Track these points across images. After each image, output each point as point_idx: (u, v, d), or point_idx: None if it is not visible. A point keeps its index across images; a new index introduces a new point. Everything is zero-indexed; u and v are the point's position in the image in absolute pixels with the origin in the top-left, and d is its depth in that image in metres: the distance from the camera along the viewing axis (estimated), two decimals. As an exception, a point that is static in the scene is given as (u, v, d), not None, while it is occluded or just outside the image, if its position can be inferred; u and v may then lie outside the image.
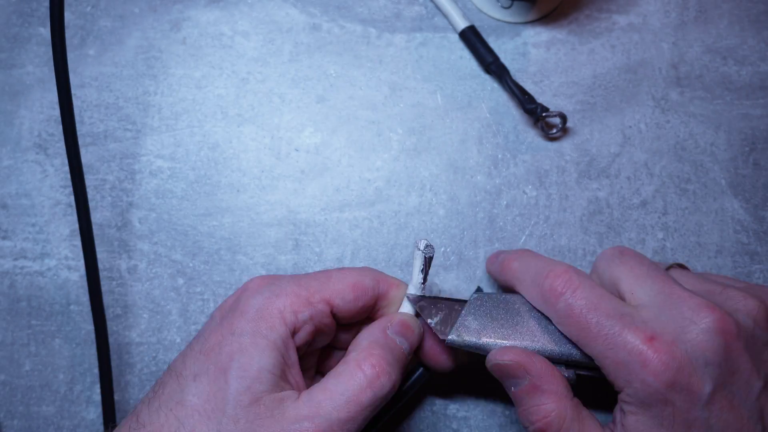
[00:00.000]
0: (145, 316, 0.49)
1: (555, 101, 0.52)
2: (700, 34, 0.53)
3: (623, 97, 0.52)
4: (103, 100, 0.52)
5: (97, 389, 0.48)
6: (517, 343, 0.40)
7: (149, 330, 0.49)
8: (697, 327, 0.36)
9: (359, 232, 0.51)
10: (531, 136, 0.52)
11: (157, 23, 0.53)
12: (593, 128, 0.52)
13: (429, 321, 0.42)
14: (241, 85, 0.52)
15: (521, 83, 0.52)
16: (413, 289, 0.43)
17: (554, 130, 0.51)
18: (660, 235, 0.51)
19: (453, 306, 0.43)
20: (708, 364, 0.35)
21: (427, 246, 0.42)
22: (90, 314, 0.49)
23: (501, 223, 0.51)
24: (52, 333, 0.49)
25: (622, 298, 0.40)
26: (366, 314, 0.43)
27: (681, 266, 0.44)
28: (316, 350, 0.43)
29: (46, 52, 0.52)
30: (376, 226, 0.51)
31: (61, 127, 0.51)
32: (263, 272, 0.50)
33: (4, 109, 0.52)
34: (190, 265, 0.50)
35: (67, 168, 0.51)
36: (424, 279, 0.43)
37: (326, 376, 0.38)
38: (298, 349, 0.39)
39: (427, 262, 0.42)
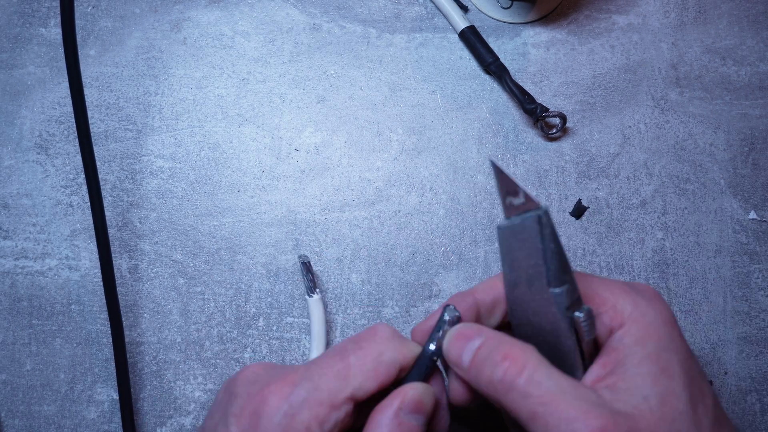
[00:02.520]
0: (145, 315, 0.49)
1: (555, 101, 0.52)
2: (700, 34, 0.53)
3: (623, 98, 0.52)
4: (104, 100, 0.52)
5: (98, 389, 0.49)
6: None
7: (150, 330, 0.49)
8: None
9: (359, 232, 0.51)
10: (531, 136, 0.52)
11: (157, 23, 0.53)
12: (593, 128, 0.52)
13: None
14: (241, 85, 0.53)
15: (521, 83, 0.52)
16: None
17: (554, 130, 0.51)
18: (659, 235, 0.51)
19: None
20: None
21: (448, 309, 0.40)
22: (90, 314, 0.49)
23: (501, 223, 0.51)
24: (53, 333, 0.49)
25: None
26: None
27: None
28: None
29: (47, 53, 0.52)
30: (376, 226, 0.51)
31: (62, 126, 0.52)
32: (263, 272, 0.50)
33: (5, 109, 0.52)
34: (191, 264, 0.50)
35: (68, 168, 0.51)
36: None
37: None
38: None
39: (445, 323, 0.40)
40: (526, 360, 0.35)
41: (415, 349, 0.39)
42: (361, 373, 0.37)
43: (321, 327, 0.48)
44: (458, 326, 0.39)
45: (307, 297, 0.48)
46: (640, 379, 0.35)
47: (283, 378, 0.37)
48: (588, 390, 0.34)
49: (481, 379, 0.36)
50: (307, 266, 0.48)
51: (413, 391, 0.37)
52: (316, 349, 0.48)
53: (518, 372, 0.35)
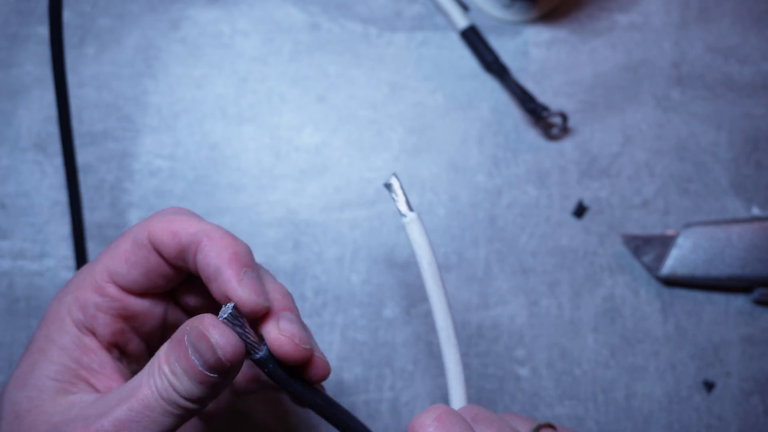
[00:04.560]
0: (144, 316, 0.49)
1: (556, 101, 0.52)
2: (702, 33, 0.53)
3: (624, 97, 0.52)
4: (102, 99, 0.52)
5: (96, 390, 0.48)
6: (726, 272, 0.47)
7: (148, 330, 0.49)
8: None
9: (359, 232, 0.50)
10: (532, 135, 0.52)
11: (156, 22, 0.53)
12: (594, 128, 0.52)
13: (643, 258, 0.48)
14: (240, 84, 0.52)
15: (522, 83, 0.52)
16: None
17: (555, 130, 0.51)
18: (661, 235, 0.50)
19: (665, 241, 0.48)
20: None
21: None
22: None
23: (501, 223, 0.50)
24: (51, 333, 0.49)
25: None
26: (175, 277, 0.35)
27: (550, 426, 0.36)
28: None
29: (45, 52, 0.52)
30: (376, 226, 0.51)
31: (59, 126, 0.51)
32: (263, 272, 0.50)
33: (2, 108, 0.51)
34: (190, 265, 0.50)
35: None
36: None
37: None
38: (116, 343, 0.35)
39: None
40: None
41: (182, 233, 0.33)
42: (118, 254, 0.35)
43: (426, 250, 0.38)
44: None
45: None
46: None
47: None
48: None
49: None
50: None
51: (205, 322, 0.31)
52: (431, 277, 0.38)
53: None
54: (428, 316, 0.49)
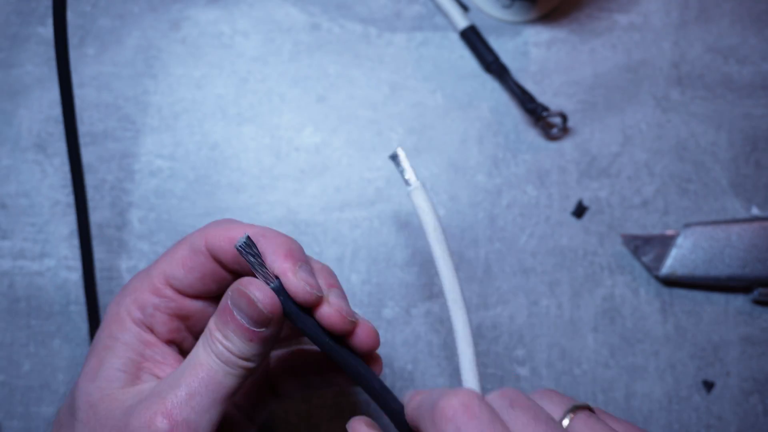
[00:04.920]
0: (144, 316, 0.49)
1: (555, 101, 0.52)
2: (702, 33, 0.53)
3: (624, 97, 0.52)
4: (103, 99, 0.52)
5: (97, 389, 0.48)
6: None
7: (149, 330, 0.49)
8: None
9: (359, 232, 0.51)
10: (531, 135, 0.52)
11: (156, 22, 0.53)
12: (594, 128, 0.52)
13: (643, 258, 0.48)
14: (240, 84, 0.52)
15: (522, 83, 0.52)
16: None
17: (555, 130, 0.51)
18: (661, 235, 0.50)
19: (665, 241, 0.48)
20: None
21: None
22: (89, 314, 0.49)
23: (501, 223, 0.51)
24: (51, 333, 0.49)
25: None
26: (228, 281, 0.37)
27: (588, 408, 0.34)
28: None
29: (46, 52, 0.52)
30: (376, 226, 0.51)
31: (60, 126, 0.51)
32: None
33: (3, 108, 0.51)
34: (190, 265, 0.50)
35: (66, 167, 0.51)
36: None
37: None
38: (173, 340, 0.38)
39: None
40: None
41: (239, 237, 0.35)
42: (176, 259, 0.37)
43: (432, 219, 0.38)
44: None
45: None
46: None
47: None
48: None
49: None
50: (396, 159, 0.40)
51: (244, 280, 0.34)
52: (438, 243, 0.38)
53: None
54: (428, 315, 0.49)
